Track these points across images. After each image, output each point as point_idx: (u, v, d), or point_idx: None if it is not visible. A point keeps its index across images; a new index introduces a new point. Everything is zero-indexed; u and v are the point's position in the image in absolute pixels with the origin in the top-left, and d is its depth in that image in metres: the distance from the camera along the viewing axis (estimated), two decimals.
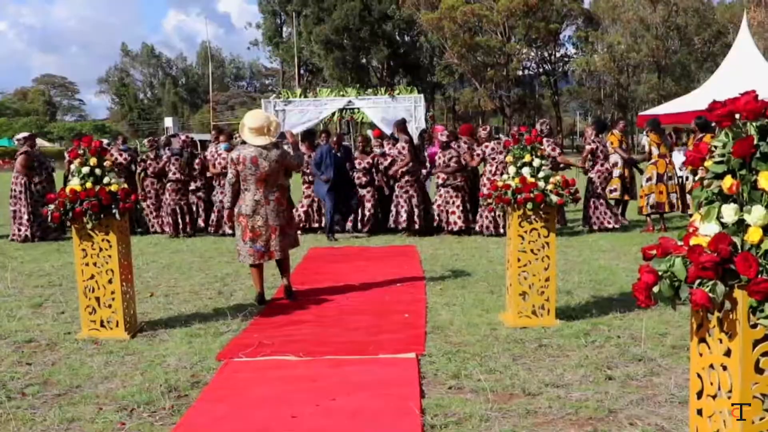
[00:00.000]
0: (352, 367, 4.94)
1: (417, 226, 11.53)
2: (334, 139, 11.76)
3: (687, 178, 11.42)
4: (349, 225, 12.14)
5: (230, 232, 11.97)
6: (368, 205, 12.09)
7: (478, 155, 11.33)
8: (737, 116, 2.60)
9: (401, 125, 12.30)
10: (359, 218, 12.14)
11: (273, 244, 6.79)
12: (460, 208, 11.28)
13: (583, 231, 11.54)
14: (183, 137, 12.78)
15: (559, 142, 12.22)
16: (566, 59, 65.21)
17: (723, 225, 2.55)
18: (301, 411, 4.14)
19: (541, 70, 65.38)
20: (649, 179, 11.36)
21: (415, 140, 12.58)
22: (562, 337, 5.47)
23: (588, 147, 11.84)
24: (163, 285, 7.99)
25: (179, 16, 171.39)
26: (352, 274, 8.44)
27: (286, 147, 7.49)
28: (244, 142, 6.85)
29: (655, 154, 11.38)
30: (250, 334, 5.81)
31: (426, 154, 12.62)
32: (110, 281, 5.76)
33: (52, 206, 5.71)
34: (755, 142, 2.52)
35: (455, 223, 11.30)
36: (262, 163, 6.67)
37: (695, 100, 20.30)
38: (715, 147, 2.63)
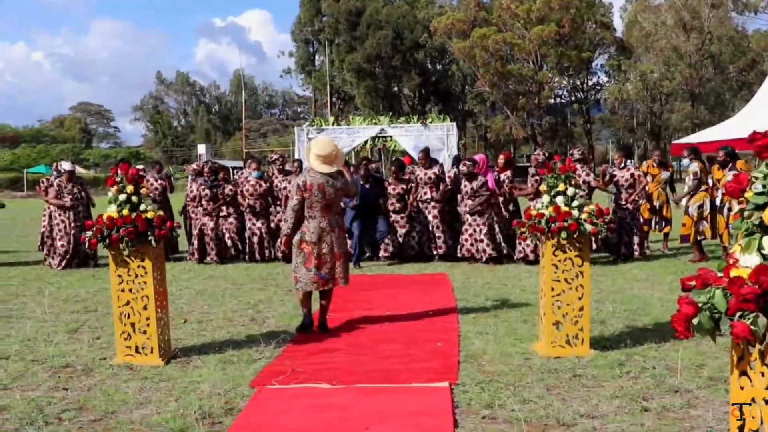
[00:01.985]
0: (385, 396, 4.92)
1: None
2: (362, 172, 11.75)
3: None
4: (382, 253, 12.17)
5: (259, 258, 12.14)
6: (401, 231, 12.10)
7: (536, 180, 11.15)
8: None
9: (428, 153, 12.38)
10: (392, 246, 12.16)
11: (338, 271, 6.86)
12: (488, 236, 11.22)
13: (617, 260, 11.42)
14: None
15: (593, 168, 12.03)
16: (598, 87, 65.01)
17: (764, 257, 2.52)
18: None
19: (573, 98, 65.16)
20: (701, 206, 11.21)
21: (449, 168, 12.58)
22: (597, 368, 5.41)
23: (631, 175, 11.61)
24: (196, 311, 8.05)
25: (210, 45, 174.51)
26: (383, 302, 8.44)
27: None
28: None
29: (709, 182, 11.22)
30: (282, 362, 5.82)
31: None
32: (145, 307, 5.81)
33: (89, 233, 5.80)
34: None
35: (484, 251, 11.25)
36: (329, 191, 6.75)
37: (730, 129, 20.14)
38: (756, 178, 2.61)
